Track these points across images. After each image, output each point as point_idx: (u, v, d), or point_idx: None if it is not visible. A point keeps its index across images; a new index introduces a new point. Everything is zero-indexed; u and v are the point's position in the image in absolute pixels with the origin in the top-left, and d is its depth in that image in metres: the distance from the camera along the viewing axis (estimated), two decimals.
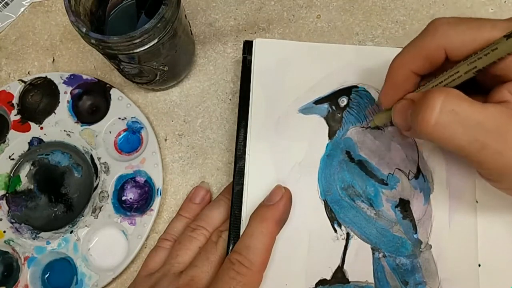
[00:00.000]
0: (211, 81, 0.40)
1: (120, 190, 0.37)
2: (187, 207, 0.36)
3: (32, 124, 0.38)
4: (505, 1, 0.40)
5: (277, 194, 0.31)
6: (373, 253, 0.32)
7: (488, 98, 0.26)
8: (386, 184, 0.33)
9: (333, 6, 0.41)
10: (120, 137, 0.39)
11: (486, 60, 0.24)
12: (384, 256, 0.32)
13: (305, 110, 0.34)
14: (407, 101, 0.27)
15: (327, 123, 0.34)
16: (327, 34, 0.40)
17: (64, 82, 0.39)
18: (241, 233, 0.31)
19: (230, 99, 0.39)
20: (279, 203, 0.31)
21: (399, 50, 0.35)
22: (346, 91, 0.35)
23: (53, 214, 0.38)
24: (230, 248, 0.31)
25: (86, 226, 0.36)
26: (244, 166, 0.33)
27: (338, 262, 0.32)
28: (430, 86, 0.27)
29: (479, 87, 0.27)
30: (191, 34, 0.38)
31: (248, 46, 0.36)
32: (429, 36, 0.25)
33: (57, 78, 0.39)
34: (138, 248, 0.35)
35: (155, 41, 0.30)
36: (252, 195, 0.32)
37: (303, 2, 0.41)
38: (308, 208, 0.32)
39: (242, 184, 0.33)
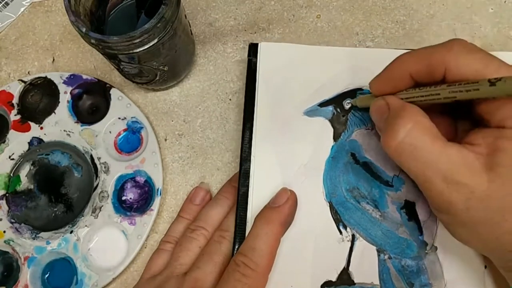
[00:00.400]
0: (211, 81, 0.40)
1: (120, 190, 0.37)
2: (187, 209, 0.36)
3: (32, 124, 0.38)
4: (505, 1, 0.40)
5: (282, 197, 0.31)
6: (379, 255, 0.32)
7: (466, 135, 0.26)
8: (391, 186, 0.33)
9: (333, 6, 0.41)
10: (120, 137, 0.39)
11: (466, 95, 0.24)
12: (390, 257, 0.32)
13: (310, 113, 0.34)
14: (385, 104, 0.28)
15: (332, 125, 0.34)
16: (327, 34, 0.40)
17: (64, 82, 0.39)
18: (246, 234, 0.31)
19: (230, 99, 0.39)
20: (284, 206, 0.31)
21: (405, 52, 0.35)
22: (351, 93, 0.35)
23: (53, 214, 0.38)
24: (236, 249, 0.31)
25: (86, 226, 0.36)
26: (249, 168, 0.33)
27: (343, 264, 0.32)
28: (412, 95, 0.27)
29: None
30: (191, 34, 0.38)
31: (253, 49, 0.36)
32: (441, 49, 0.26)
33: (57, 78, 0.39)
34: (138, 248, 0.35)
35: (155, 41, 0.30)
36: (258, 197, 0.32)
37: (303, 2, 0.41)
38: (313, 210, 0.32)
39: (248, 186, 0.33)
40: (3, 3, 0.42)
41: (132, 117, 0.38)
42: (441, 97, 0.25)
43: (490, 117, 0.25)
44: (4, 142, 0.38)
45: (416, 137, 0.25)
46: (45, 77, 0.39)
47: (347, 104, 0.34)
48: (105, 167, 0.37)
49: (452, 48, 0.25)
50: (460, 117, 0.29)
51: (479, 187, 0.24)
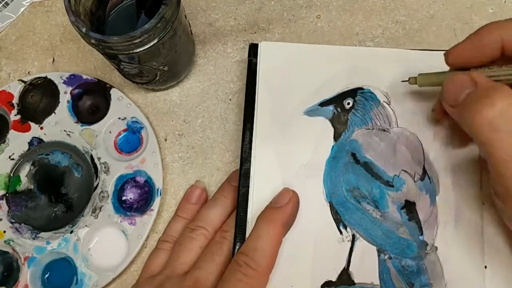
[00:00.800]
0: (211, 81, 0.40)
1: (120, 190, 0.37)
2: (184, 208, 0.36)
3: (32, 124, 0.38)
4: (505, 1, 0.40)
5: (284, 197, 0.31)
6: (379, 255, 0.32)
7: None
8: (392, 186, 0.33)
9: (333, 6, 0.41)
10: (120, 137, 0.39)
11: None
12: (390, 258, 0.32)
13: (311, 112, 0.34)
14: (469, 78, 0.25)
15: (333, 125, 0.34)
16: (327, 34, 0.40)
17: (64, 82, 0.39)
18: (247, 234, 0.31)
19: (230, 99, 0.39)
20: (287, 206, 0.31)
21: (405, 51, 0.35)
22: (352, 93, 0.35)
23: (53, 214, 0.38)
24: (236, 249, 0.31)
25: (86, 226, 0.36)
26: (249, 168, 0.33)
27: (343, 264, 0.32)
28: (499, 73, 0.25)
29: None
30: (191, 34, 0.38)
31: (253, 49, 0.36)
32: None
33: (57, 78, 0.39)
34: (138, 248, 0.35)
35: (155, 41, 0.30)
36: (258, 197, 0.32)
37: (303, 2, 0.41)
38: (313, 210, 0.32)
39: (248, 186, 0.33)
40: (3, 3, 0.42)
41: (132, 117, 0.38)
42: None
43: None
44: (4, 142, 0.38)
45: None
46: (45, 77, 0.39)
47: (347, 104, 0.34)
48: (105, 167, 0.37)
49: None
50: None
51: None
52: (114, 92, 0.38)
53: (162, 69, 0.34)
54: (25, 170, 0.38)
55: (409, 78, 0.31)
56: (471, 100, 0.24)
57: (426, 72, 0.30)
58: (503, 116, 0.22)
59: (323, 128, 0.34)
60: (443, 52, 0.35)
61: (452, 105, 0.26)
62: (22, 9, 0.43)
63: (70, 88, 0.39)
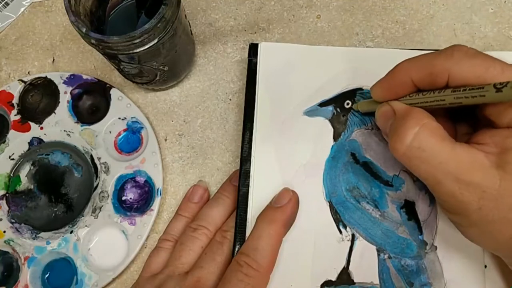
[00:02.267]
0: (211, 81, 0.40)
1: (120, 190, 0.37)
2: (186, 207, 0.36)
3: (32, 124, 0.38)
4: (505, 1, 0.40)
5: (285, 197, 0.31)
6: (378, 255, 0.32)
7: (472, 136, 0.26)
8: (391, 186, 0.33)
9: (333, 6, 0.41)
10: (120, 137, 0.39)
11: (472, 101, 0.24)
12: (389, 257, 0.32)
13: (310, 113, 0.34)
14: (390, 110, 0.28)
15: (332, 125, 0.34)
16: (327, 34, 0.40)
17: (64, 82, 0.39)
18: (247, 234, 0.31)
19: (230, 99, 0.39)
20: (287, 206, 0.31)
21: (405, 52, 0.35)
22: (351, 93, 0.35)
23: (53, 214, 0.38)
24: (236, 249, 0.31)
25: (86, 226, 0.36)
26: (249, 168, 0.33)
27: (343, 263, 0.32)
28: (416, 100, 0.27)
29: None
30: (191, 34, 0.38)
31: (253, 49, 0.36)
32: (442, 57, 0.26)
33: (57, 78, 0.39)
34: (138, 248, 0.35)
35: (155, 41, 0.30)
36: (258, 197, 0.32)
37: (303, 2, 0.41)
38: (313, 209, 0.32)
39: (248, 186, 0.33)
40: (3, 3, 0.42)
41: (132, 117, 0.38)
42: (446, 103, 0.25)
43: (497, 119, 0.25)
44: (4, 142, 0.38)
45: (424, 140, 0.24)
46: (45, 77, 0.39)
47: (347, 104, 0.34)
48: (105, 167, 0.37)
49: (452, 55, 0.25)
50: (459, 119, 0.29)
51: (491, 185, 0.23)
52: (114, 92, 0.38)
53: (162, 69, 0.34)
54: (25, 170, 0.38)
55: (353, 106, 0.34)
56: (390, 133, 0.27)
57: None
58: (412, 146, 0.25)
59: (322, 128, 0.34)
60: None
61: (386, 135, 0.29)
62: (22, 9, 0.43)
63: (70, 88, 0.39)
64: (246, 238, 0.31)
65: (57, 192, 0.38)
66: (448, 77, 0.25)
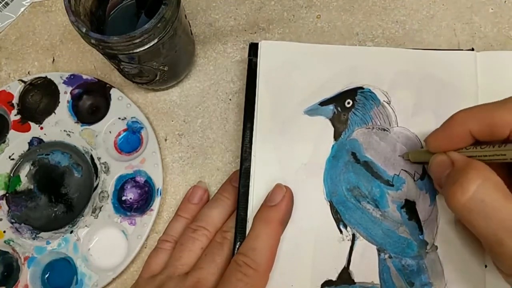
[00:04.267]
0: (211, 81, 0.40)
1: (120, 190, 0.37)
2: (186, 208, 0.36)
3: (32, 124, 0.38)
4: (505, 1, 0.40)
5: (278, 194, 0.31)
6: (379, 254, 0.32)
7: None
8: (392, 185, 0.33)
9: (333, 6, 0.41)
10: (120, 137, 0.39)
11: None
12: (390, 257, 0.32)
13: (311, 112, 0.34)
14: (448, 160, 0.27)
15: (333, 124, 0.34)
16: (327, 34, 0.40)
17: (64, 82, 0.39)
18: (247, 234, 0.31)
19: (230, 99, 0.39)
20: (281, 204, 0.31)
21: (405, 51, 0.35)
22: (352, 92, 0.35)
23: (53, 214, 0.38)
24: (236, 249, 0.31)
25: (86, 226, 0.36)
26: (249, 168, 0.33)
27: (343, 263, 0.32)
28: (475, 153, 0.26)
29: None
30: (191, 34, 0.38)
31: (253, 49, 0.36)
32: (502, 109, 0.25)
33: (57, 78, 0.39)
34: (138, 248, 0.35)
35: (155, 41, 0.30)
36: (258, 197, 0.32)
37: (303, 2, 0.41)
38: (313, 209, 0.32)
39: (248, 185, 0.33)
40: (3, 3, 0.42)
41: (132, 117, 0.38)
42: (507, 158, 0.24)
43: None
44: (4, 142, 0.38)
45: (488, 193, 0.23)
46: (45, 77, 0.39)
47: (347, 103, 0.34)
48: (105, 167, 0.37)
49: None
50: None
51: None
52: (114, 92, 0.38)
53: (162, 69, 0.34)
54: (25, 170, 0.38)
55: (404, 154, 0.33)
56: (449, 183, 0.25)
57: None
58: (475, 198, 0.23)
59: (323, 127, 0.34)
60: (443, 52, 0.36)
61: (439, 186, 0.28)
62: (22, 9, 0.43)
63: (70, 88, 0.39)
64: None
65: (57, 192, 0.38)
66: (510, 130, 0.24)
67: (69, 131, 0.38)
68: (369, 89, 0.35)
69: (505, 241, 0.23)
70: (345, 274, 0.31)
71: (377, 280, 0.31)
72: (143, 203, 0.37)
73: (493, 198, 0.23)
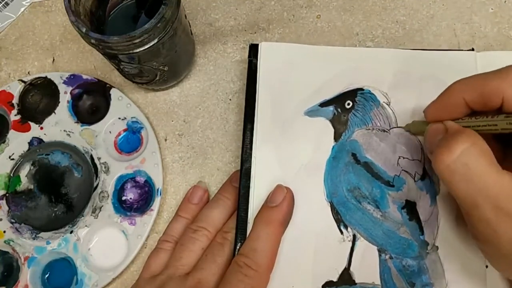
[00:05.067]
0: (211, 81, 0.40)
1: (120, 190, 0.37)
2: (186, 208, 0.36)
3: (32, 124, 0.38)
4: (505, 1, 0.40)
5: (279, 195, 0.31)
6: (380, 255, 0.32)
7: None
8: (392, 186, 0.33)
9: (333, 6, 0.41)
10: (120, 137, 0.39)
11: None
12: (391, 257, 0.32)
13: (311, 113, 0.34)
14: (442, 127, 0.27)
15: (333, 125, 0.34)
16: (327, 34, 0.40)
17: (64, 82, 0.39)
18: (247, 235, 0.31)
19: (230, 99, 0.39)
20: (282, 204, 0.31)
21: (405, 51, 0.35)
22: (352, 93, 0.35)
23: (53, 214, 0.38)
24: (237, 250, 0.31)
25: (86, 226, 0.36)
26: (250, 169, 0.33)
27: (344, 263, 0.32)
28: (468, 124, 0.26)
29: None
30: (191, 34, 0.38)
31: (254, 50, 0.36)
32: (496, 78, 0.25)
33: (57, 78, 0.39)
34: (138, 248, 0.35)
35: (155, 41, 0.30)
36: (258, 198, 0.32)
37: (303, 2, 0.41)
38: (314, 210, 0.32)
39: (248, 186, 0.33)
40: (3, 3, 0.42)
41: (132, 117, 0.38)
42: (498, 128, 0.25)
43: None
44: (4, 142, 0.38)
45: (473, 158, 0.24)
46: (45, 77, 0.39)
47: (347, 104, 0.34)
48: (105, 167, 0.37)
49: (508, 77, 0.24)
50: (509, 146, 0.28)
51: None
52: (114, 92, 0.38)
53: (162, 69, 0.34)
54: (25, 170, 0.38)
55: (405, 126, 0.34)
56: (438, 146, 0.26)
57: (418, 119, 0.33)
58: (459, 161, 0.24)
59: (323, 128, 0.34)
60: (443, 52, 0.36)
61: (430, 153, 0.28)
62: (22, 9, 0.43)
63: (70, 88, 0.39)
64: None
65: (57, 192, 0.38)
66: (502, 100, 0.24)
67: (69, 131, 0.38)
68: (369, 90, 0.35)
69: (480, 205, 0.23)
70: (346, 275, 0.31)
71: (378, 281, 0.31)
72: (143, 203, 0.37)
73: (477, 163, 0.24)
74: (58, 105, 0.38)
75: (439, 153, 0.25)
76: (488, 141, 0.25)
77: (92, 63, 0.41)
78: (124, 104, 0.38)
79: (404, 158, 0.33)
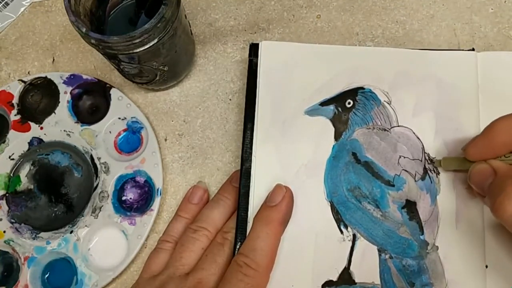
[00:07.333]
0: (211, 81, 0.40)
1: (120, 190, 0.37)
2: (186, 208, 0.36)
3: (32, 124, 0.38)
4: (505, 1, 0.40)
5: (278, 194, 0.31)
6: (380, 255, 0.32)
7: None
8: (393, 185, 0.33)
9: (333, 6, 0.41)
10: (120, 137, 0.39)
11: None
12: (391, 257, 0.32)
13: (311, 112, 0.34)
14: (490, 169, 0.27)
15: (333, 124, 0.34)
16: (327, 34, 0.40)
17: (64, 82, 0.39)
18: (247, 234, 0.31)
19: (230, 99, 0.39)
20: (282, 204, 0.31)
21: (405, 51, 0.35)
22: (352, 92, 0.35)
23: (53, 214, 0.38)
24: (237, 249, 0.31)
25: (86, 226, 0.36)
26: (250, 168, 0.33)
27: (344, 263, 0.32)
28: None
29: None
30: (191, 34, 0.38)
31: (254, 49, 0.36)
32: None
33: (57, 78, 0.39)
34: (138, 248, 0.35)
35: (155, 41, 0.30)
36: (258, 197, 0.32)
37: (303, 2, 0.41)
38: (314, 209, 0.32)
39: (249, 186, 0.33)
40: (3, 3, 0.42)
41: (132, 117, 0.38)
42: None
43: None
44: (4, 142, 0.38)
45: None
46: (45, 77, 0.39)
47: (348, 103, 0.34)
48: (105, 167, 0.37)
49: None
50: None
51: None
52: (114, 92, 0.38)
53: (162, 69, 0.34)
54: (25, 170, 0.38)
55: (435, 161, 0.33)
56: (494, 192, 0.25)
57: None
58: None
59: (323, 127, 0.34)
60: (443, 52, 0.36)
61: (481, 195, 0.28)
62: (22, 9, 0.43)
63: (70, 88, 0.39)
64: None
65: (57, 192, 0.38)
66: None
67: (69, 131, 0.38)
68: (370, 89, 0.35)
69: None
70: (346, 275, 0.31)
71: (377, 281, 0.31)
72: (143, 203, 0.37)
73: None
74: (58, 105, 0.38)
75: (500, 202, 0.24)
76: None
77: (92, 63, 0.41)
78: (124, 104, 0.38)
79: (404, 157, 0.33)
